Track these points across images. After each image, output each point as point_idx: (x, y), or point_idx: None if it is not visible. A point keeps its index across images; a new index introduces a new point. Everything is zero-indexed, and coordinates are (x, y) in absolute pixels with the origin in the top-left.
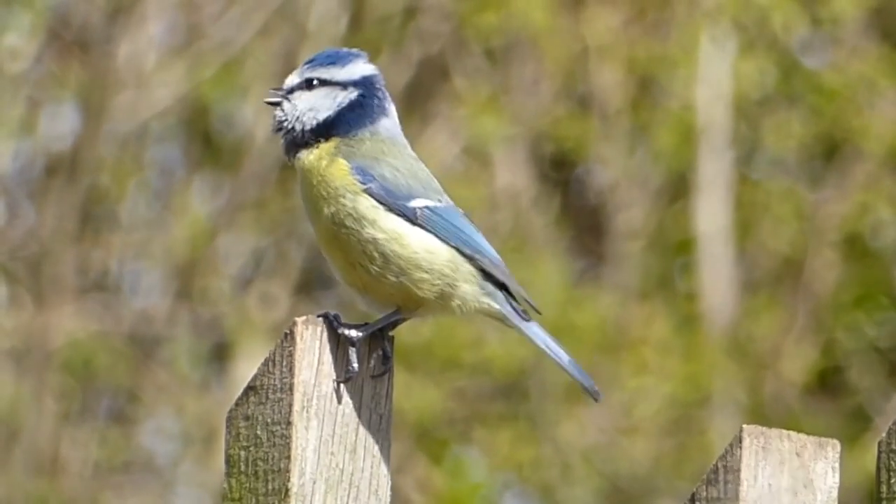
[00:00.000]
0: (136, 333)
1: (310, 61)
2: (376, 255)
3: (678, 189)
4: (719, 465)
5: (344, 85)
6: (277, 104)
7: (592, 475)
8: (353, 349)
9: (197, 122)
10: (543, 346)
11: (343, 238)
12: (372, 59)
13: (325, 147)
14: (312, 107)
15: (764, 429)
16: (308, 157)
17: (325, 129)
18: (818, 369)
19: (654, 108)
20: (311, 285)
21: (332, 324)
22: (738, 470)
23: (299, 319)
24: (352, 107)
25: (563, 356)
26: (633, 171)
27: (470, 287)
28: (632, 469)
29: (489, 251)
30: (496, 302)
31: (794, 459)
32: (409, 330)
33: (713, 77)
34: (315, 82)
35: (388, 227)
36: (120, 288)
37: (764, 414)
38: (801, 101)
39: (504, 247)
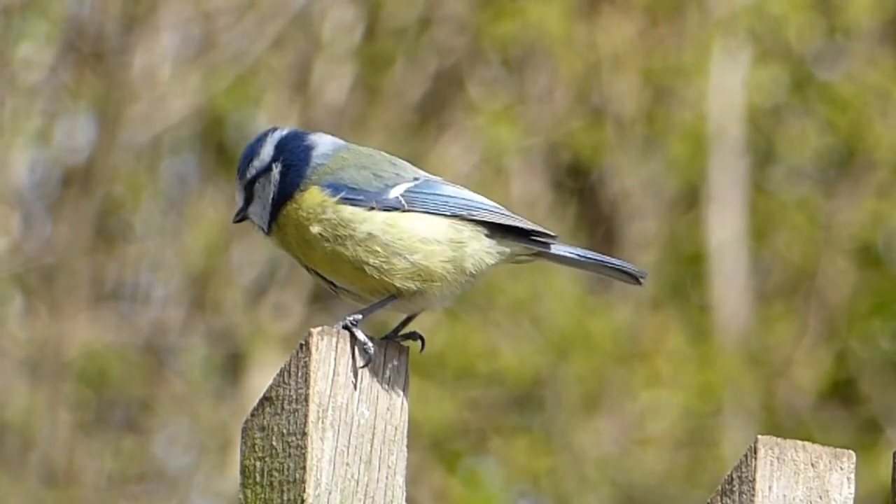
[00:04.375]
0: (151, 343)
1: (238, 171)
2: (378, 248)
3: (692, 198)
4: (734, 475)
5: (268, 168)
6: (242, 220)
7: (606, 485)
8: (357, 328)
9: (211, 132)
10: (575, 256)
11: (340, 248)
12: (385, 72)
13: (300, 195)
14: (263, 202)
15: (779, 439)
16: (285, 210)
17: (286, 196)
18: (831, 379)
19: (667, 118)
20: (324, 296)
21: (351, 333)
22: (753, 480)
23: (315, 330)
24: (283, 173)
25: (598, 256)
26: (647, 181)
27: (479, 244)
28: (646, 479)
29: (484, 203)
30: (508, 245)
31: (809, 470)
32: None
33: (727, 87)
34: (248, 185)
35: (378, 219)
36: (134, 298)
37: (777, 423)
38: (815, 110)
39: None
